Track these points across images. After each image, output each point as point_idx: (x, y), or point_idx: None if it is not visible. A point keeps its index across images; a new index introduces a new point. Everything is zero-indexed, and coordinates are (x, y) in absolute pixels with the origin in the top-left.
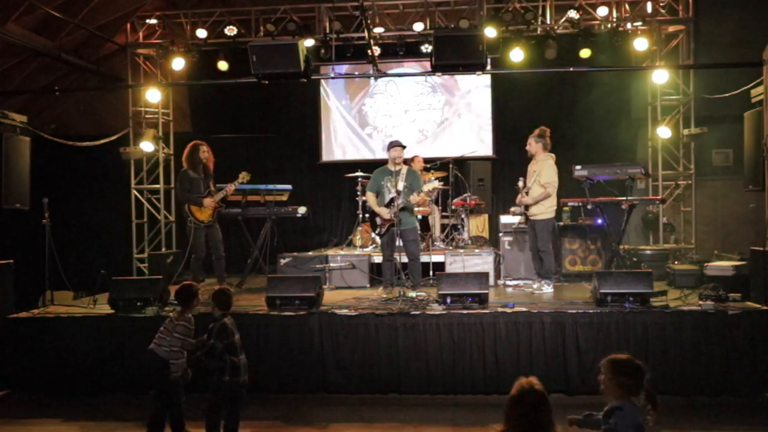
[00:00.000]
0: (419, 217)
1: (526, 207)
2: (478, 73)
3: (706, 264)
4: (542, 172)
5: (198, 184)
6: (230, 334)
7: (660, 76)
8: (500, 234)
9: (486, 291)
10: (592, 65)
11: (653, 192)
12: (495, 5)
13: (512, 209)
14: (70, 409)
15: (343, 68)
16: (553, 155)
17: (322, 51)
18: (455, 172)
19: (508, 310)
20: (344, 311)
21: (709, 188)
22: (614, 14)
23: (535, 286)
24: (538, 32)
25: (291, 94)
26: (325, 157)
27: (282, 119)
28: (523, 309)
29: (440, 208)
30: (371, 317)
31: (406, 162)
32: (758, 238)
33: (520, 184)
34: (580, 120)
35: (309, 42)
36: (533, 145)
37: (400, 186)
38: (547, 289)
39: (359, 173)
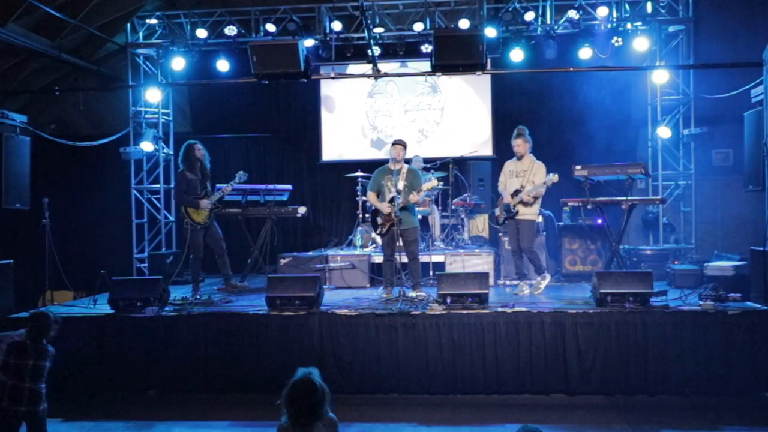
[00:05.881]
0: (419, 216)
1: (513, 207)
2: (478, 73)
3: (706, 264)
4: (537, 173)
5: (195, 185)
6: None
7: (660, 76)
8: (500, 234)
9: (486, 291)
10: (592, 65)
11: (653, 192)
12: (495, 5)
13: (497, 212)
14: (70, 409)
15: (344, 68)
16: (532, 155)
17: (322, 51)
18: (455, 172)
19: (508, 310)
20: (344, 311)
21: (709, 188)
22: (614, 14)
23: (527, 286)
24: (538, 32)
25: (291, 94)
26: (325, 157)
27: (282, 119)
28: (523, 309)
29: (440, 208)
30: (371, 317)
31: (407, 161)
32: (758, 238)
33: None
34: (580, 120)
35: (309, 42)
36: (523, 146)
37: (400, 185)
38: (544, 282)
39: (359, 173)
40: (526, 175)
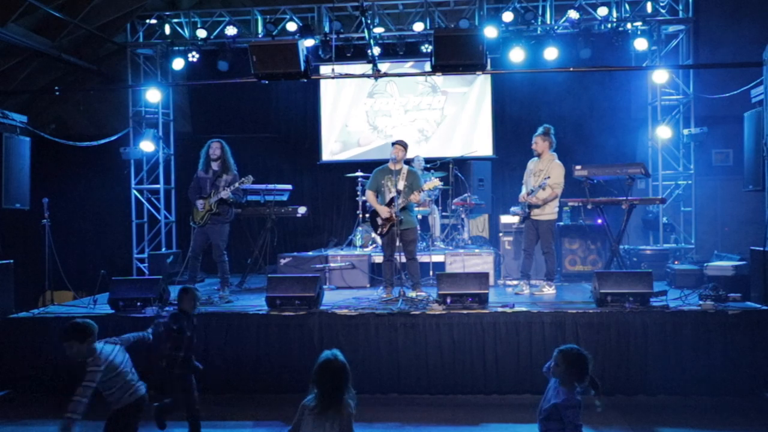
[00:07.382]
0: (419, 216)
1: (529, 206)
2: (478, 73)
3: (706, 264)
4: (551, 173)
5: (205, 183)
6: None
7: (660, 76)
8: (500, 234)
9: (486, 291)
10: (592, 65)
11: (653, 192)
12: (495, 5)
13: (513, 209)
14: None
15: (344, 68)
16: (554, 154)
17: (322, 51)
18: (455, 172)
19: (508, 310)
20: (344, 311)
21: (709, 188)
22: (614, 14)
23: (527, 286)
24: (538, 32)
25: (291, 94)
26: (325, 157)
27: (282, 119)
28: (523, 309)
29: (440, 208)
30: (371, 317)
31: (408, 162)
32: (758, 238)
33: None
34: (580, 120)
35: (309, 42)
36: (540, 144)
37: (401, 185)
38: (549, 290)
39: (359, 173)
40: (542, 175)
